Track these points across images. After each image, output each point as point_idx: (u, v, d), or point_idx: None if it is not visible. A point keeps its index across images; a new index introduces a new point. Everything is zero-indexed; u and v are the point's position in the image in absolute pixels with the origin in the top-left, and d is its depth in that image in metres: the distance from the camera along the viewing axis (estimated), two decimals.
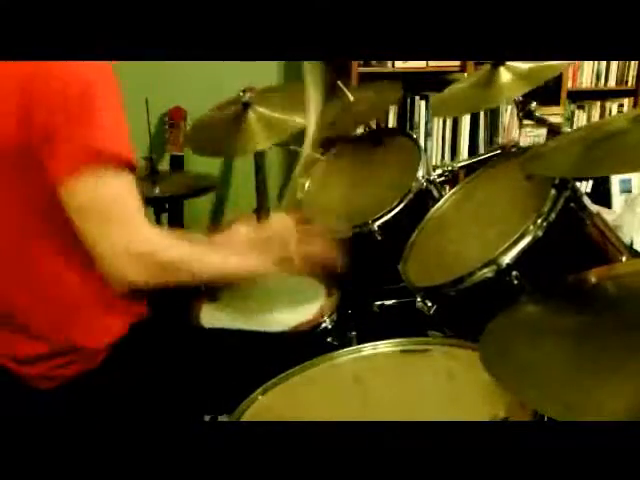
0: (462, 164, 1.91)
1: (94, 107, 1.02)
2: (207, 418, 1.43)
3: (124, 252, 1.03)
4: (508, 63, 1.66)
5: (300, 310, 1.45)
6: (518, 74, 1.64)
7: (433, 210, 1.56)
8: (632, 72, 3.09)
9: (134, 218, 1.05)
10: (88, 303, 1.16)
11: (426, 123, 2.91)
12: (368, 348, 1.21)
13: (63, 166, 1.01)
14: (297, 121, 1.86)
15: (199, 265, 1.14)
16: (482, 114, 2.93)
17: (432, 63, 2.81)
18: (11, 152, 1.04)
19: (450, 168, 1.77)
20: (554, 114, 2.88)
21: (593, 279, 1.06)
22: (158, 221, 2.52)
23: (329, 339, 1.40)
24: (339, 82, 1.97)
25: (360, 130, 2.32)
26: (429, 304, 1.31)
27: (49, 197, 1.04)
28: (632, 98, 3.12)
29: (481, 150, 2.95)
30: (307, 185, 1.85)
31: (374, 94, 2.01)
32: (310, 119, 1.51)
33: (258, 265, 1.20)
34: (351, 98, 1.93)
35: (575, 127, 3.03)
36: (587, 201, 1.27)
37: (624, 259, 1.25)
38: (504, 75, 1.65)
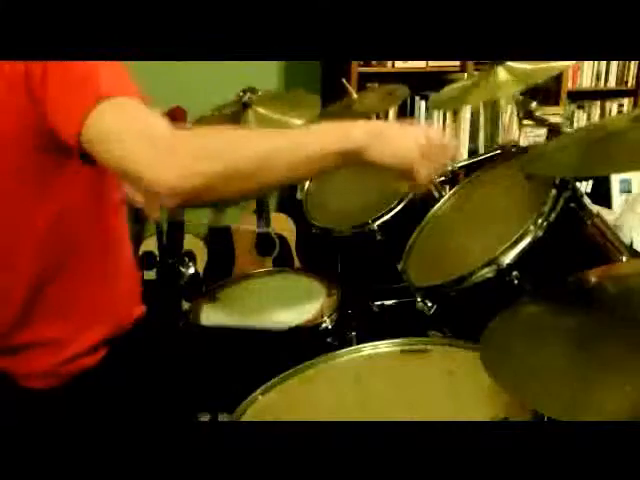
0: (462, 164, 1.91)
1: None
2: (206, 416, 1.43)
3: (153, 156, 0.93)
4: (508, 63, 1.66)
5: (300, 310, 1.46)
6: (517, 73, 1.64)
7: (433, 210, 1.56)
8: (632, 72, 3.10)
9: (149, 122, 0.96)
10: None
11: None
12: (368, 348, 1.21)
13: (73, 115, 0.95)
14: (295, 123, 1.87)
15: (242, 147, 0.97)
16: (482, 114, 2.93)
17: (432, 63, 2.81)
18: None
19: (450, 168, 1.77)
20: (554, 114, 2.89)
21: (593, 279, 1.06)
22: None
23: (329, 339, 1.40)
24: (344, 80, 1.98)
25: None
26: (429, 304, 1.31)
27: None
28: (632, 98, 3.12)
29: (481, 150, 2.95)
30: (307, 185, 1.86)
31: (378, 94, 2.02)
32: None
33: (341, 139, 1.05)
34: (354, 95, 1.94)
35: (575, 127, 3.03)
36: (587, 201, 1.27)
37: (624, 259, 1.25)
38: (502, 74, 1.65)
